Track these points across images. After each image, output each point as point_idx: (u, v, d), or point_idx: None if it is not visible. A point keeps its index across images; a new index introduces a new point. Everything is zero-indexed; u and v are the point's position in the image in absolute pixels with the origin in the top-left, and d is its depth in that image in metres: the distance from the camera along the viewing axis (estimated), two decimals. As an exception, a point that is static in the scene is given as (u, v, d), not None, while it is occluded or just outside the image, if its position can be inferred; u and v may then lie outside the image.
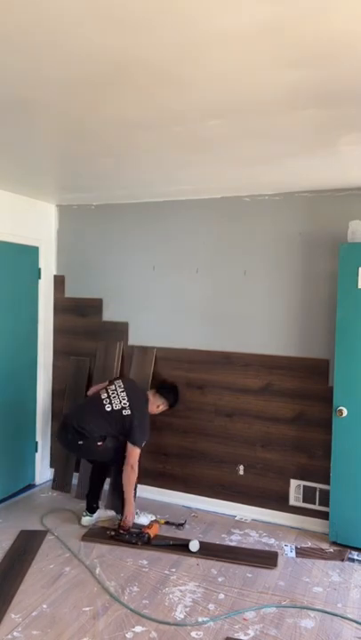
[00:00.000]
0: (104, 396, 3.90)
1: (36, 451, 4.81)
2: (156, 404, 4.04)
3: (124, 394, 3.89)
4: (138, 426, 3.81)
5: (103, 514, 4.13)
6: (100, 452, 3.88)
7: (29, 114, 2.45)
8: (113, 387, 3.96)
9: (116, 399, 3.86)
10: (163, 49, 1.77)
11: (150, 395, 4.05)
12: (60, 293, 4.92)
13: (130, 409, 3.83)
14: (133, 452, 3.80)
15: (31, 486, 4.74)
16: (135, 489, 3.98)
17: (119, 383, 3.99)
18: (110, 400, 3.86)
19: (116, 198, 4.52)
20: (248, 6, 1.50)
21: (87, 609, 2.97)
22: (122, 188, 4.12)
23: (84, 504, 4.12)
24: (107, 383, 4.08)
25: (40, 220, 4.76)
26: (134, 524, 3.83)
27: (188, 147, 2.92)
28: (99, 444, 3.81)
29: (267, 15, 1.54)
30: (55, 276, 4.93)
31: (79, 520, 4.04)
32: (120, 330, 4.62)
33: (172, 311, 4.42)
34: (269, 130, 2.59)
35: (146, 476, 4.53)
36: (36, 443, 4.81)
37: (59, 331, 4.93)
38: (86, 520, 4.01)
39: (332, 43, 1.71)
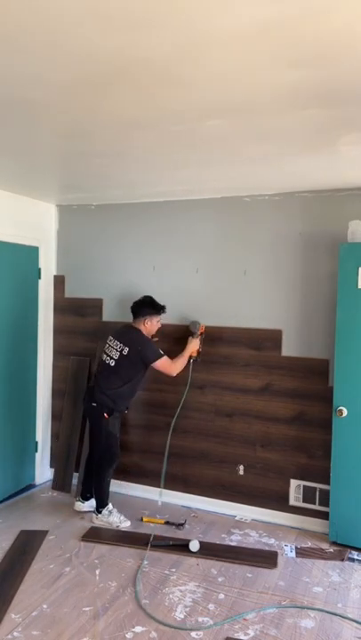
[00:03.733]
0: (104, 356, 4.05)
1: (36, 451, 4.81)
2: (151, 324, 4.08)
3: (116, 341, 4.02)
4: (143, 349, 3.96)
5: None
6: (101, 426, 3.97)
7: (29, 114, 2.45)
8: (106, 345, 4.08)
9: (113, 350, 4.00)
10: (163, 49, 1.77)
11: (140, 323, 4.07)
12: (60, 293, 4.92)
13: (127, 346, 3.96)
14: (162, 365, 3.99)
15: (31, 486, 4.74)
16: (109, 483, 4.07)
17: (109, 338, 4.10)
18: (109, 354, 4.01)
19: (116, 198, 4.52)
20: (248, 6, 1.50)
21: (87, 609, 2.97)
22: (122, 188, 4.12)
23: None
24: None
25: (40, 220, 4.76)
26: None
27: (189, 146, 2.92)
28: (105, 415, 3.93)
29: (267, 15, 1.54)
30: (55, 276, 4.93)
31: (80, 518, 4.07)
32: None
33: (172, 311, 4.42)
34: (269, 130, 2.59)
35: (146, 476, 4.53)
36: (36, 443, 4.81)
37: (59, 331, 4.93)
38: (78, 505, 4.20)
39: (332, 43, 1.71)
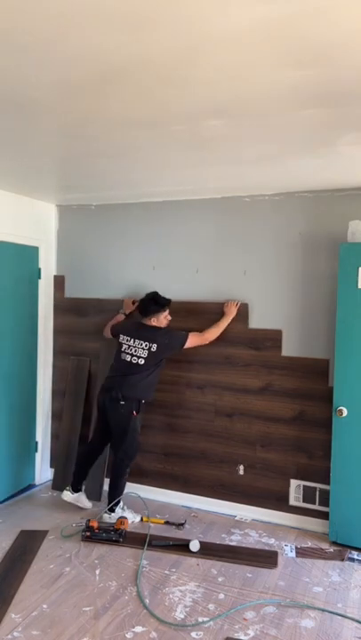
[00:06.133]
0: (127, 357, 4.03)
1: (36, 451, 4.81)
2: (162, 319, 4.10)
3: (139, 340, 4.01)
4: (170, 341, 4.01)
5: (82, 500, 4.21)
6: (129, 425, 3.96)
7: (30, 114, 2.45)
8: (125, 345, 4.05)
9: (139, 349, 4.00)
10: (163, 49, 1.77)
11: (151, 320, 4.07)
12: (60, 293, 4.92)
13: (154, 343, 3.97)
14: (193, 341, 4.03)
15: (31, 486, 4.74)
16: (124, 485, 4.07)
17: (125, 338, 4.07)
18: (134, 354, 4.00)
19: (116, 198, 4.52)
20: (248, 6, 1.50)
21: (87, 609, 2.97)
22: (122, 188, 4.12)
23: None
24: (115, 324, 4.28)
25: (40, 220, 4.75)
26: (103, 523, 3.86)
27: (189, 146, 2.92)
28: (134, 412, 3.96)
29: (268, 15, 1.54)
30: (55, 276, 4.93)
31: (80, 518, 4.05)
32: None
33: (172, 311, 4.41)
34: (270, 130, 2.59)
35: (146, 476, 4.54)
36: (36, 443, 4.81)
37: (59, 331, 4.93)
38: (66, 494, 4.18)
39: (332, 43, 1.71)
